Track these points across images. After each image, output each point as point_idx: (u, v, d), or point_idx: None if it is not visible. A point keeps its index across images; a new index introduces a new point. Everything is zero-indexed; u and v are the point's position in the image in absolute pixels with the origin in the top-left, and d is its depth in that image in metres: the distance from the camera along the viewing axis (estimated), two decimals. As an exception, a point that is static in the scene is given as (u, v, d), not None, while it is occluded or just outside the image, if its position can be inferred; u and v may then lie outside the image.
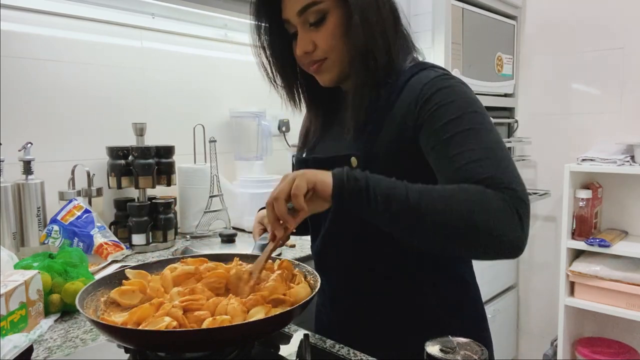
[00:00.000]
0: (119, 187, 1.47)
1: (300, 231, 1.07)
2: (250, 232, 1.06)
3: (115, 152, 1.47)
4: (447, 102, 0.75)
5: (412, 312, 0.87)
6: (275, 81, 0.93)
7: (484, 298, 2.12)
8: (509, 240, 0.66)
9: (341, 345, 0.80)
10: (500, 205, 0.65)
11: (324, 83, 0.88)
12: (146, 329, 0.59)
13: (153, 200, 1.50)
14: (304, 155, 0.97)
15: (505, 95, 2.44)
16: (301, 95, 0.96)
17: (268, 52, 0.90)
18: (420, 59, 0.89)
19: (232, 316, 0.64)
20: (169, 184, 1.53)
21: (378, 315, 0.89)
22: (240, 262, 0.82)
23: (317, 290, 0.71)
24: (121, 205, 1.51)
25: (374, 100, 0.83)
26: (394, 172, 0.71)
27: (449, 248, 0.70)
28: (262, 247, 0.90)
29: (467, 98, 0.76)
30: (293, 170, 0.96)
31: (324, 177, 0.69)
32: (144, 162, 1.46)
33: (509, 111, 2.50)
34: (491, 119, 0.75)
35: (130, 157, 1.47)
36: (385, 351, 0.84)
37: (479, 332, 0.94)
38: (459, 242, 0.67)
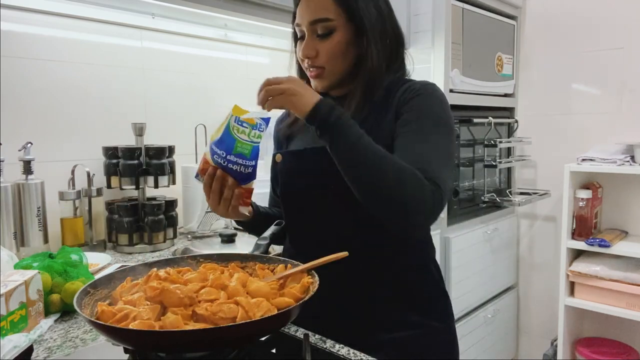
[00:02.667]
0: (120, 187, 1.47)
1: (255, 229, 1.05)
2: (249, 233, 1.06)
3: (115, 152, 1.47)
4: (424, 104, 0.89)
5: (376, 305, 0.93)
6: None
7: (484, 298, 2.13)
8: (413, 220, 0.80)
9: (341, 345, 0.80)
10: (421, 187, 0.78)
11: (317, 88, 0.96)
12: (146, 329, 0.59)
13: (153, 201, 1.50)
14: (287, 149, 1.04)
15: (505, 95, 2.44)
16: None
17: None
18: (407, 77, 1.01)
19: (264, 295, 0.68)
20: (169, 184, 1.53)
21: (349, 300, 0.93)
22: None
23: (315, 288, 0.71)
24: (121, 205, 1.51)
25: (360, 112, 0.92)
26: None
27: (371, 198, 0.81)
28: (261, 247, 0.90)
29: (441, 107, 0.90)
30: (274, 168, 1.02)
31: (309, 97, 0.82)
32: (144, 162, 1.46)
33: (509, 111, 2.50)
34: (455, 131, 0.89)
35: (130, 157, 1.47)
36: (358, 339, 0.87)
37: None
38: (379, 194, 0.79)
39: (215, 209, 0.91)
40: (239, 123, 0.84)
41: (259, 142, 0.87)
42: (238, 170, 0.86)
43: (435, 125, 0.87)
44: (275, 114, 0.95)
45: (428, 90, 0.91)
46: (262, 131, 0.87)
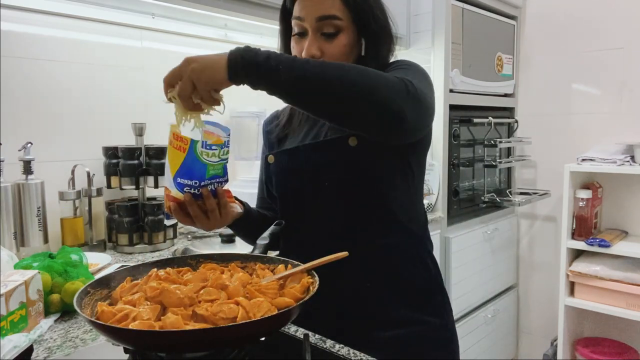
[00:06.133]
0: (120, 187, 1.47)
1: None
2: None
3: (115, 152, 1.47)
4: (399, 62, 0.91)
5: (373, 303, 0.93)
6: None
7: (484, 298, 2.13)
8: (394, 108, 0.72)
9: (341, 345, 0.80)
10: (393, 80, 0.74)
11: None
12: (146, 329, 0.59)
13: (153, 201, 1.50)
14: (296, 145, 0.98)
15: (505, 95, 2.44)
16: None
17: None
18: None
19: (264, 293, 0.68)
20: (169, 184, 1.53)
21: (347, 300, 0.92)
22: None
23: (316, 289, 0.71)
24: (121, 205, 1.51)
25: None
26: (388, 152, 0.88)
27: (341, 110, 0.75)
28: (261, 247, 0.90)
29: (415, 65, 0.90)
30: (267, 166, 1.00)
31: (213, 63, 0.71)
32: (144, 162, 1.46)
33: (509, 111, 2.50)
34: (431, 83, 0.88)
35: (130, 157, 1.47)
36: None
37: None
38: (351, 102, 0.72)
39: (207, 227, 0.87)
40: (208, 147, 0.77)
41: (228, 157, 0.81)
42: (213, 187, 0.83)
43: (413, 70, 0.87)
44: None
45: (402, 60, 0.93)
46: (229, 145, 0.81)
